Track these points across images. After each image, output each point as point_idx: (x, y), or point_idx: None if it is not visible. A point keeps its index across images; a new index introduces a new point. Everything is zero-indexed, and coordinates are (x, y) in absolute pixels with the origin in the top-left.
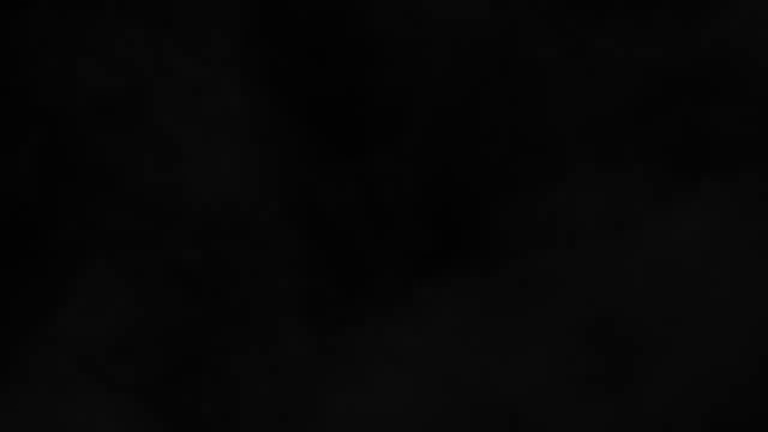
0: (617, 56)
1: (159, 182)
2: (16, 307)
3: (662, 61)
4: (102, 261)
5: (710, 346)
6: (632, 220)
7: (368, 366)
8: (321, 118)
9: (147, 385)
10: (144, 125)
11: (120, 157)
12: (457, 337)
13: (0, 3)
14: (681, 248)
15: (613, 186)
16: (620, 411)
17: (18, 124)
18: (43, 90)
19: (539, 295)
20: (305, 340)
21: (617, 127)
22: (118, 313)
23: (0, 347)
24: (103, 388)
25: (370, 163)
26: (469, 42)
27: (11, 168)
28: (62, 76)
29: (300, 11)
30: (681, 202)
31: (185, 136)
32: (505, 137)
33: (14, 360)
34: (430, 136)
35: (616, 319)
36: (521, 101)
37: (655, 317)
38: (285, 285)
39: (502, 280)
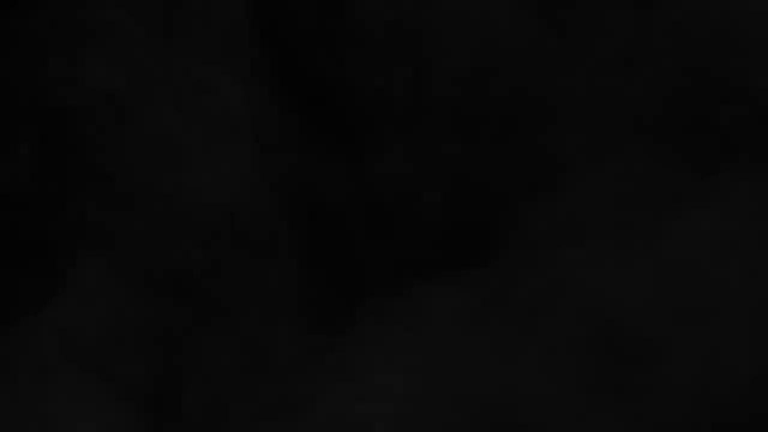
0: (628, 51)
1: (157, 181)
2: (7, 298)
3: (677, 55)
4: (97, 257)
5: (725, 350)
6: (644, 220)
7: (364, 368)
8: (322, 118)
9: (136, 379)
10: (143, 124)
11: (120, 155)
12: (457, 340)
13: (2, 2)
14: (695, 248)
15: (625, 184)
16: (630, 415)
17: (19, 123)
18: (43, 89)
19: (547, 296)
20: (299, 341)
21: (628, 124)
22: (110, 309)
23: None
24: (91, 380)
25: (371, 163)
26: (475, 41)
27: (11, 165)
28: (63, 75)
29: (302, 10)
30: (696, 201)
31: (184, 136)
32: (512, 135)
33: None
34: (430, 138)
35: (627, 321)
36: (529, 98)
37: (667, 320)
38: (281, 285)
39: (504, 283)
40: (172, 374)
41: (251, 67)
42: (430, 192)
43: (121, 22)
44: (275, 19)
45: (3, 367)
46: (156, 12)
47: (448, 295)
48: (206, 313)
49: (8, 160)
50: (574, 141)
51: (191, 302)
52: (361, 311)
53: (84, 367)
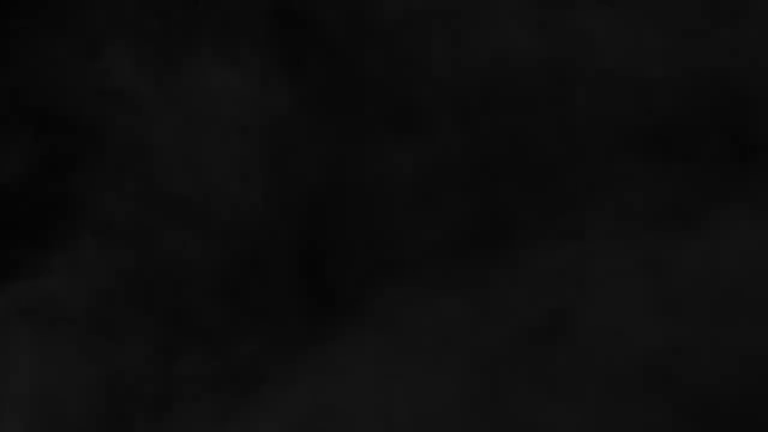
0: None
1: (165, 178)
2: None
3: (709, 63)
4: (88, 242)
5: (752, 352)
6: (663, 224)
7: (352, 374)
8: (332, 119)
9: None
10: (154, 122)
11: (130, 151)
12: (456, 344)
13: (13, 1)
14: (719, 251)
15: (654, 189)
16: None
17: (27, 120)
18: (58, 85)
19: (555, 300)
20: (277, 346)
21: (658, 128)
22: (85, 290)
23: None
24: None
25: (370, 165)
26: (492, 44)
27: (16, 155)
28: (80, 71)
29: (315, 10)
30: (718, 202)
31: (196, 135)
32: (520, 135)
33: None
34: (430, 140)
35: (637, 324)
36: (553, 99)
37: (689, 323)
38: (275, 285)
39: (506, 285)
40: (144, 363)
41: (266, 68)
42: (431, 196)
43: (139, 21)
44: (290, 21)
45: None
46: (174, 11)
47: (444, 296)
48: (184, 311)
49: (15, 150)
50: (587, 142)
51: (175, 295)
52: (359, 311)
53: (48, 337)
